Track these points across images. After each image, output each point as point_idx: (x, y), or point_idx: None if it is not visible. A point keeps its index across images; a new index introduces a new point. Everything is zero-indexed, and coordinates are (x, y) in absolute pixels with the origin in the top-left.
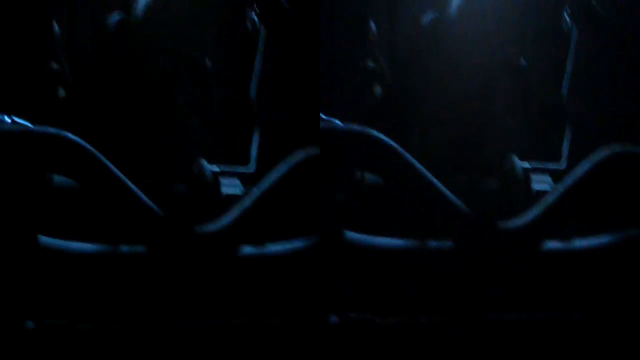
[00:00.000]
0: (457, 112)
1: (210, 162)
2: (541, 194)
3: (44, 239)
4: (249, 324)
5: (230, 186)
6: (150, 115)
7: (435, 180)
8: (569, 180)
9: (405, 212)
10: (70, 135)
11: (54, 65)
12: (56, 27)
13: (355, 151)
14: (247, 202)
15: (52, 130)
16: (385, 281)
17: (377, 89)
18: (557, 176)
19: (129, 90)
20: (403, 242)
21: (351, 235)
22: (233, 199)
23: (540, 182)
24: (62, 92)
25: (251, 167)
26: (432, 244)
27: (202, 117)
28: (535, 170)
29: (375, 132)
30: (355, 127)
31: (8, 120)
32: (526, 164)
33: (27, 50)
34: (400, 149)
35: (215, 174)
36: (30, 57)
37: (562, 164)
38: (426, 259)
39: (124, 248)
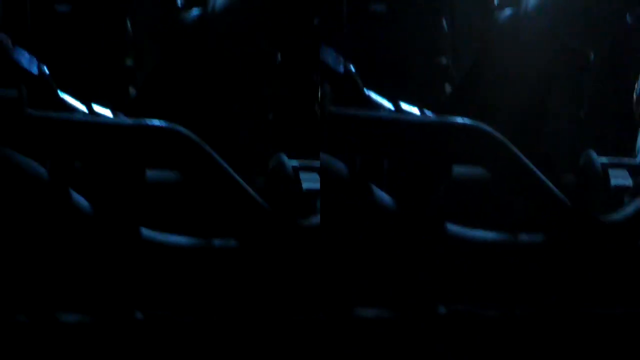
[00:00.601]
0: (528, 108)
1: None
2: (620, 189)
3: (146, 232)
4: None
5: (310, 181)
6: (226, 112)
7: (540, 174)
8: None
9: (507, 204)
10: (183, 129)
11: (128, 63)
12: (129, 25)
13: (461, 144)
14: None
15: (166, 124)
16: (484, 273)
17: (447, 86)
18: (634, 171)
19: (203, 87)
20: (504, 235)
21: (452, 227)
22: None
23: (619, 177)
24: (133, 91)
25: None
26: (533, 236)
27: (276, 112)
28: (612, 165)
29: (483, 126)
30: (463, 120)
31: (111, 115)
32: (604, 159)
33: (102, 48)
34: (507, 142)
35: (295, 168)
36: (104, 55)
37: (638, 159)
38: (525, 252)
39: (220, 241)
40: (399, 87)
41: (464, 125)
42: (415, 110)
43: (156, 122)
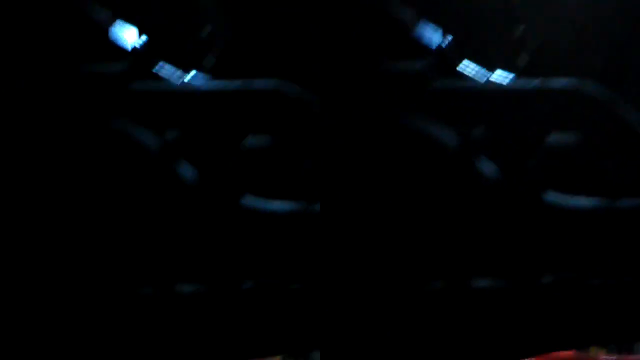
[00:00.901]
0: (608, 71)
1: None
2: None
3: (248, 199)
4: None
5: None
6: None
7: None
8: None
9: (608, 170)
10: (291, 88)
11: (204, 33)
12: None
13: (561, 109)
14: None
15: (271, 84)
16: (586, 242)
17: (522, 58)
18: None
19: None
20: (604, 202)
21: (552, 195)
22: None
23: None
24: (211, 61)
25: None
26: (634, 201)
27: None
28: None
29: (587, 88)
30: (565, 82)
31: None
32: None
33: (178, 19)
34: (615, 104)
35: None
36: (181, 25)
37: None
38: (627, 217)
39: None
40: (476, 59)
41: (565, 88)
42: (510, 76)
43: (261, 81)
